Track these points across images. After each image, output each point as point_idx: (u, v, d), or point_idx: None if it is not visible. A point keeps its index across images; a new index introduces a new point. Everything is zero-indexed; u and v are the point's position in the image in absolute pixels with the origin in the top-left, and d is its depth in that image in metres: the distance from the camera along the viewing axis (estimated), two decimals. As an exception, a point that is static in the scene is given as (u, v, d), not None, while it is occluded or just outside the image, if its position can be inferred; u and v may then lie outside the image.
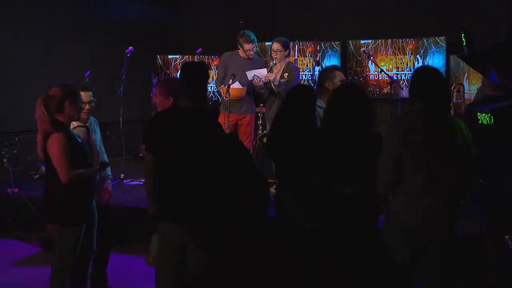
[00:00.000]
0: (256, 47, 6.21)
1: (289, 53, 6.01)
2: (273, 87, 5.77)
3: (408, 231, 3.06)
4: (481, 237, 3.93)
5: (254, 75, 5.79)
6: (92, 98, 4.11)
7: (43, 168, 6.84)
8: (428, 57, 7.47)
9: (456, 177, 3.06)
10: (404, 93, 7.22)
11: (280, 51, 5.84)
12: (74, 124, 3.99)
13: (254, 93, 6.21)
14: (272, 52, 5.92)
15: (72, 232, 3.61)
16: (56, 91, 3.61)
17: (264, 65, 6.25)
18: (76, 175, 3.55)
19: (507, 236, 3.80)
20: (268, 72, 5.84)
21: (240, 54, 6.11)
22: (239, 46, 6.07)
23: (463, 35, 6.69)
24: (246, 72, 5.87)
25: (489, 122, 3.60)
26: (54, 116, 3.57)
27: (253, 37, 5.99)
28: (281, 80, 5.80)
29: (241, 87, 5.97)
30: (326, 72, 4.57)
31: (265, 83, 5.84)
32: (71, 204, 3.59)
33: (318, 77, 4.83)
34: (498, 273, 3.75)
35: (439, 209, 3.05)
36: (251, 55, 6.03)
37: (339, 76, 4.49)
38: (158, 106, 3.85)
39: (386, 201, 3.32)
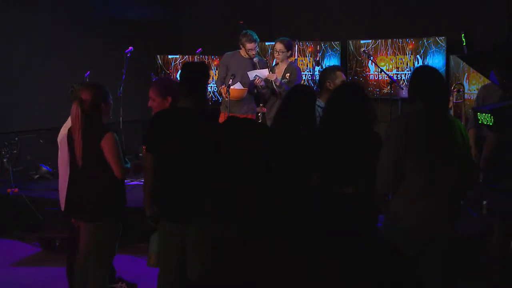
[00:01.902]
0: (258, 46, 6.20)
1: (291, 54, 6.01)
2: (275, 87, 5.78)
3: (408, 231, 3.05)
4: (482, 237, 3.92)
5: (256, 75, 5.80)
6: None
7: (43, 168, 6.89)
8: (428, 57, 7.47)
9: (455, 177, 3.06)
10: (404, 93, 7.21)
11: (283, 52, 5.84)
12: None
13: (257, 93, 6.21)
14: (275, 52, 5.92)
15: (116, 228, 3.79)
16: (89, 94, 3.72)
17: (266, 65, 6.25)
18: (128, 170, 3.78)
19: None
20: (269, 73, 5.84)
21: (242, 54, 6.10)
22: (241, 46, 6.07)
23: (463, 35, 6.68)
24: (248, 72, 5.87)
25: (489, 122, 3.60)
26: (97, 117, 3.73)
27: (255, 36, 5.99)
28: (283, 81, 5.80)
29: (242, 87, 5.97)
30: (327, 72, 4.57)
31: (266, 83, 5.85)
32: (118, 200, 3.78)
33: (319, 76, 4.83)
34: (499, 273, 3.75)
35: (439, 209, 3.05)
36: (253, 54, 6.02)
37: (340, 77, 4.49)
38: (154, 109, 3.82)
39: (385, 201, 3.32)
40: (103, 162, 3.66)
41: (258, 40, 6.06)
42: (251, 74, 5.83)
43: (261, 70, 5.87)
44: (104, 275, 3.83)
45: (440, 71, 3.75)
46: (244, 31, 6.08)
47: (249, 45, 5.97)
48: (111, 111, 3.91)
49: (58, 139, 4.24)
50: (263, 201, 1.30)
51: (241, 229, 1.26)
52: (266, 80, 5.86)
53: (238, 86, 5.95)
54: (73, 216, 3.86)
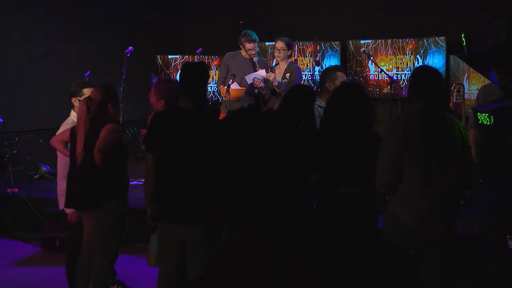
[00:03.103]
0: (257, 46, 6.18)
1: (292, 53, 6.00)
2: (274, 87, 5.78)
3: (407, 231, 3.06)
4: (488, 237, 3.92)
5: (254, 77, 5.80)
6: None
7: (43, 168, 6.89)
8: (428, 57, 7.47)
9: (455, 177, 3.06)
10: (404, 93, 7.22)
11: (284, 50, 5.83)
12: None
13: (258, 93, 6.21)
14: (275, 51, 5.91)
15: (120, 220, 3.80)
16: (98, 93, 3.73)
17: (266, 65, 6.24)
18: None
19: (508, 236, 3.80)
20: (269, 72, 5.84)
21: (243, 55, 6.10)
22: (241, 46, 6.07)
23: (463, 35, 6.70)
24: (245, 77, 5.87)
25: (489, 122, 3.60)
26: (102, 117, 3.72)
27: (254, 36, 5.98)
28: (283, 81, 5.80)
29: (239, 87, 5.96)
30: (328, 73, 4.56)
31: (266, 83, 5.85)
32: (120, 190, 3.77)
33: (320, 76, 4.83)
34: (500, 273, 3.74)
35: (438, 210, 3.05)
36: (253, 54, 6.01)
37: (341, 77, 4.47)
38: (153, 105, 3.91)
39: (383, 201, 3.32)
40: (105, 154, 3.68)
41: (258, 40, 6.05)
42: (249, 78, 5.83)
43: (258, 72, 5.86)
44: (106, 274, 3.83)
45: (440, 71, 3.75)
46: (243, 31, 6.08)
47: (248, 45, 5.96)
48: (119, 114, 3.91)
49: None
50: (266, 201, 1.30)
51: (245, 230, 1.26)
52: (266, 80, 5.86)
53: (235, 86, 5.94)
54: (76, 208, 3.86)
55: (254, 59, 6.02)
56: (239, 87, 5.97)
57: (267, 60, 7.12)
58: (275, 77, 5.76)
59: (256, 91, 6.18)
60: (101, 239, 3.77)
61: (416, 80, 3.20)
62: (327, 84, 4.45)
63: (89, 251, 3.82)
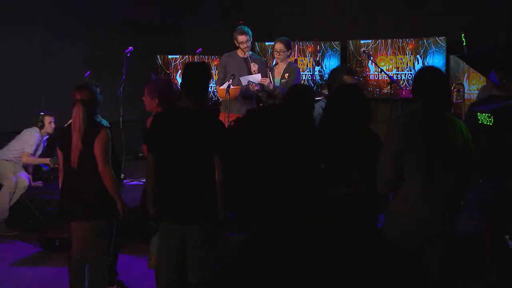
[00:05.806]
0: (250, 39, 6.11)
1: (291, 53, 6.00)
2: (270, 90, 5.78)
3: (408, 231, 3.05)
4: (481, 237, 3.93)
5: (249, 80, 5.79)
6: None
7: (43, 168, 6.88)
8: (428, 57, 7.47)
9: (455, 177, 3.06)
10: (404, 93, 7.22)
11: (283, 51, 5.83)
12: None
13: (257, 95, 6.21)
14: (275, 53, 5.91)
15: (111, 226, 3.81)
16: (88, 93, 3.75)
17: (264, 64, 6.24)
18: (111, 174, 3.69)
19: (507, 236, 3.80)
20: (268, 73, 5.84)
21: (239, 54, 6.10)
22: (236, 43, 6.06)
23: (463, 35, 6.70)
24: (240, 78, 5.86)
25: (489, 122, 3.60)
26: (94, 116, 3.77)
27: (246, 29, 5.96)
28: (282, 81, 5.79)
29: (232, 87, 5.94)
30: (335, 75, 4.55)
31: (262, 86, 5.84)
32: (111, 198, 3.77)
33: (328, 77, 4.82)
34: (499, 273, 3.75)
35: (439, 210, 3.05)
36: (246, 48, 5.98)
37: (350, 81, 4.47)
38: (146, 105, 3.93)
39: (386, 201, 3.32)
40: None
41: (251, 33, 6.02)
42: (244, 80, 5.82)
43: (254, 75, 5.86)
44: (102, 274, 3.82)
45: (442, 71, 3.74)
46: (236, 27, 6.08)
47: (240, 37, 5.94)
48: None
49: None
50: (266, 201, 1.30)
51: (244, 230, 1.26)
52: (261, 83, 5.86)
53: (226, 86, 5.91)
54: (69, 217, 3.84)
55: (247, 54, 5.99)
56: (232, 87, 5.95)
57: (266, 60, 7.11)
58: (270, 82, 5.75)
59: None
60: (94, 241, 3.75)
61: (417, 81, 3.20)
62: (335, 87, 4.44)
63: (83, 253, 3.81)
